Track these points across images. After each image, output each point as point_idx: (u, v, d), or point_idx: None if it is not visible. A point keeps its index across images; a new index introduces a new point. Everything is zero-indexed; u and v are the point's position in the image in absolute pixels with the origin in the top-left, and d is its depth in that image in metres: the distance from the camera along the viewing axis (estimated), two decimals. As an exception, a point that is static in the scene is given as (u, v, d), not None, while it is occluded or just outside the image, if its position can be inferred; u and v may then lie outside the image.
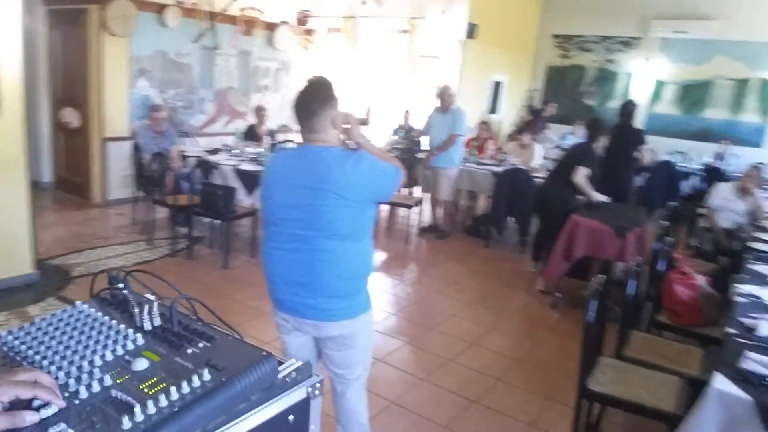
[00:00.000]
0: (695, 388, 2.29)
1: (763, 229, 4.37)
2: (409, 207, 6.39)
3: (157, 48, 6.87)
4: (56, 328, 1.15)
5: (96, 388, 0.97)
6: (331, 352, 2.19)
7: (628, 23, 9.73)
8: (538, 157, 6.75)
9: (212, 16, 7.28)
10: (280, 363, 1.10)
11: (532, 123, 8.91)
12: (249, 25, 7.77)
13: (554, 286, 4.75)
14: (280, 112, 8.32)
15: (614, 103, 10.05)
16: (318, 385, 1.12)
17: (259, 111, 7.04)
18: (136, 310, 1.18)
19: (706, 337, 3.09)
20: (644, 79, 9.75)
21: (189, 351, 1.08)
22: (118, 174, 6.74)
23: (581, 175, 4.79)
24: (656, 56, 9.61)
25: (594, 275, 3.42)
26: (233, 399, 0.98)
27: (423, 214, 6.71)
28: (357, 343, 2.19)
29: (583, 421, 2.72)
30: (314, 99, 2.04)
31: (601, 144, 5.20)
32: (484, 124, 7.58)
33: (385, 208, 7.11)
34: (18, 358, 1.06)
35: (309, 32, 8.84)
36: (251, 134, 6.86)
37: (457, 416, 3.09)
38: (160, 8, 6.74)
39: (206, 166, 5.60)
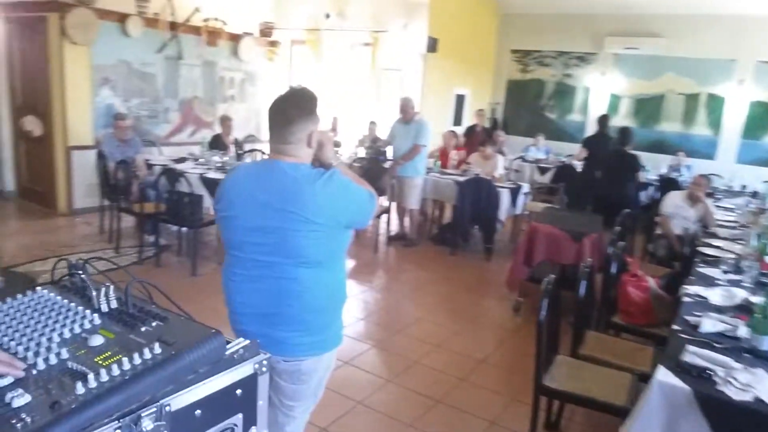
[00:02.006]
0: (645, 383, 2.41)
1: (713, 235, 4.58)
2: (378, 216, 6.46)
3: (120, 57, 6.82)
4: (17, 311, 1.21)
5: (53, 360, 1.02)
6: (284, 383, 1.94)
7: (584, 39, 10.10)
8: (501, 168, 6.92)
9: (175, 26, 7.27)
10: (229, 342, 1.16)
11: (472, 138, 8.77)
12: (213, 35, 7.78)
13: (517, 291, 4.87)
14: (246, 122, 8.34)
15: (574, 116, 10.41)
16: (265, 362, 1.19)
17: (225, 120, 7.05)
18: (94, 293, 1.22)
19: (657, 336, 3.21)
20: (601, 93, 10.10)
21: (142, 329, 1.13)
22: (83, 183, 6.65)
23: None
24: (611, 71, 9.99)
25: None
26: (182, 370, 1.04)
27: (391, 223, 6.79)
28: (314, 378, 1.96)
29: (543, 419, 2.80)
30: (294, 107, 1.82)
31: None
32: (452, 133, 7.74)
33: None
34: None
35: (273, 44, 8.90)
36: (217, 143, 6.85)
37: (421, 415, 3.15)
38: (122, 18, 6.71)
39: (172, 175, 5.57)
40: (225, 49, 8.11)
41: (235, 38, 8.16)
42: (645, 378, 2.59)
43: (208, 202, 5.28)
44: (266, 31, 8.74)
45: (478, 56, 10.31)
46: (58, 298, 1.26)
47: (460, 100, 10.05)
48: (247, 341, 1.19)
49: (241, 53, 8.29)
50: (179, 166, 5.74)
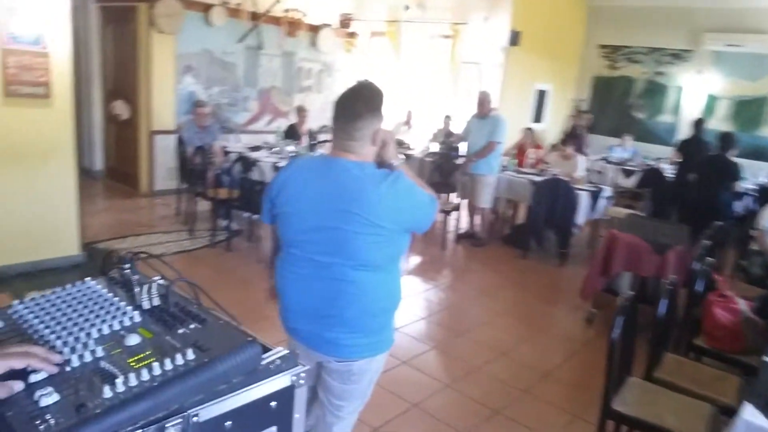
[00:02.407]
0: (728, 418, 2.16)
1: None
2: (447, 213, 6.32)
3: (203, 46, 7.05)
4: (63, 301, 1.20)
5: (88, 358, 0.99)
6: (334, 382, 1.91)
7: (679, 35, 9.39)
8: (581, 169, 6.58)
9: (256, 16, 7.41)
10: (267, 350, 1.09)
11: (573, 139, 8.43)
12: (292, 26, 7.88)
13: (591, 302, 4.60)
14: (321, 113, 8.38)
15: (664, 117, 9.76)
16: (303, 374, 1.11)
17: (300, 111, 7.12)
18: (137, 289, 1.19)
19: (745, 365, 2.92)
20: (696, 93, 9.38)
21: (180, 331, 1.09)
22: (164, 166, 6.94)
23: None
24: (709, 70, 9.24)
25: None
26: (213, 380, 0.98)
27: (460, 221, 6.63)
28: (364, 379, 1.92)
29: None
30: (362, 103, 1.74)
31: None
32: (528, 131, 7.45)
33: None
34: (25, 326, 1.10)
35: (352, 35, 8.90)
36: (292, 133, 6.94)
37: (477, 425, 3.01)
38: (206, 8, 6.92)
39: (246, 163, 5.69)
40: (304, 40, 8.19)
41: (314, 29, 8.23)
42: (728, 411, 2.34)
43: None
44: (345, 22, 8.76)
45: (563, 50, 9.86)
46: (104, 291, 1.24)
47: (541, 96, 9.67)
48: (285, 351, 1.12)
49: (320, 44, 8.35)
50: (254, 155, 5.86)
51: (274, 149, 6.30)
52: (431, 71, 9.07)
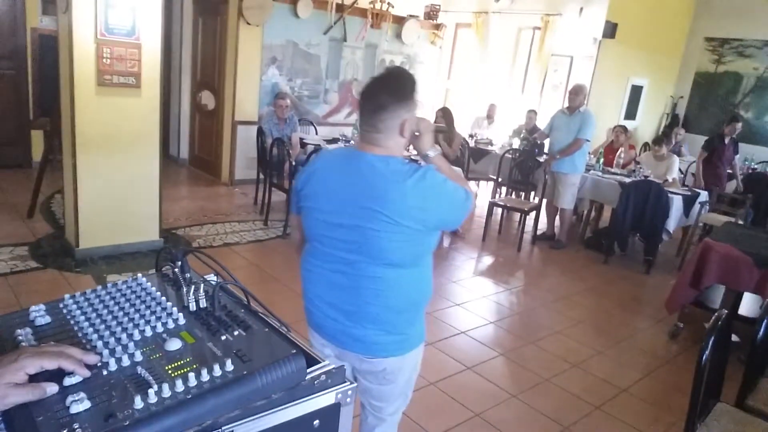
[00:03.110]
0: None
1: None
2: (525, 212, 6.08)
3: (288, 38, 7.14)
4: (113, 298, 1.18)
5: (126, 362, 0.96)
6: (370, 384, 1.86)
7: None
8: (675, 171, 6.12)
9: (342, 8, 7.42)
10: (314, 362, 1.01)
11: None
12: (378, 17, 7.83)
13: (677, 315, 4.26)
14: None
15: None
16: (350, 392, 1.03)
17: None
18: (184, 290, 1.15)
19: None
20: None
21: (222, 338, 1.04)
22: (244, 155, 7.12)
23: None
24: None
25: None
26: (252, 394, 0.92)
27: (539, 221, 6.35)
28: (400, 378, 1.85)
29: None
30: (386, 91, 1.63)
31: None
32: (620, 129, 7.01)
33: (498, 212, 6.84)
34: (72, 323, 1.09)
35: (438, 27, 8.74)
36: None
37: (544, 442, 2.85)
38: (294, -1, 6.99)
39: (321, 155, 5.71)
40: (388, 32, 8.13)
41: (399, 21, 8.15)
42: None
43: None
44: (432, 13, 8.62)
45: (663, 43, 9.21)
46: (153, 289, 1.21)
47: (636, 91, 9.09)
48: (332, 365, 1.04)
49: (404, 36, 8.26)
50: (330, 147, 5.86)
51: (350, 142, 6.30)
52: (518, 64, 8.76)
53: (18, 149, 6.73)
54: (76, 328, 1.07)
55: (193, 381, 0.90)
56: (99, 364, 0.95)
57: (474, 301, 4.45)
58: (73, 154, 4.20)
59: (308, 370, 1.00)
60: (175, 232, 5.22)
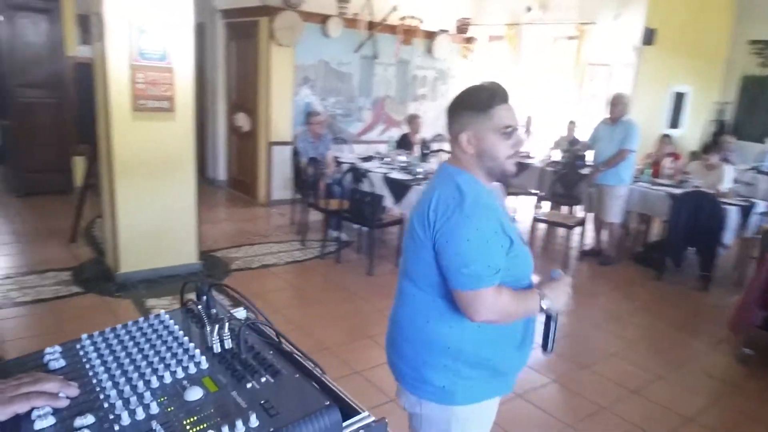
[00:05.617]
0: None
1: None
2: (570, 227, 5.82)
3: (320, 57, 7.12)
4: (132, 338, 1.07)
5: (140, 415, 0.84)
6: (410, 421, 1.73)
7: None
8: (728, 181, 5.78)
9: (372, 26, 7.37)
10: (352, 412, 0.87)
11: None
12: (408, 34, 7.75)
13: (743, 339, 3.94)
14: (435, 121, 8.19)
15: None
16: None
17: (413, 119, 6.95)
18: (208, 328, 1.02)
19: None
20: None
21: (248, 386, 0.90)
22: (280, 176, 7.09)
23: None
24: None
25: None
26: None
27: (585, 236, 6.07)
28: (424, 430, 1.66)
29: None
30: (454, 100, 1.59)
31: None
32: (666, 138, 6.71)
33: (542, 227, 6.60)
34: (87, 367, 0.98)
35: (469, 40, 8.62)
36: (404, 143, 6.79)
37: (606, 477, 2.61)
38: (324, 19, 6.98)
39: (357, 173, 5.62)
40: (419, 48, 8.05)
41: (430, 36, 8.07)
42: None
43: (389, 202, 5.21)
44: (462, 27, 8.50)
45: (706, 48, 8.84)
46: (176, 328, 1.08)
47: (678, 98, 8.74)
48: (372, 418, 0.90)
49: (435, 51, 8.17)
50: (365, 165, 5.76)
51: (385, 159, 6.18)
52: (553, 75, 8.54)
53: (61, 175, 6.86)
54: (90, 373, 0.96)
55: (210, 444, 0.77)
56: (112, 416, 0.83)
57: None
58: (111, 179, 4.20)
59: (344, 424, 0.86)
60: (214, 255, 5.17)
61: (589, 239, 6.21)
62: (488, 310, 1.45)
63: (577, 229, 5.93)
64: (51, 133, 6.68)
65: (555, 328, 1.61)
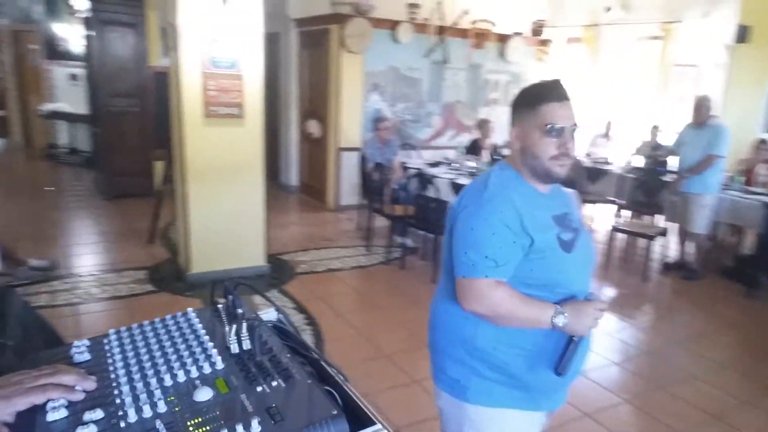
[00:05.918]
0: None
1: None
2: (651, 238, 5.46)
3: (389, 63, 7.12)
4: (156, 335, 1.06)
5: (147, 413, 0.82)
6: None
7: None
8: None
9: (442, 30, 7.29)
10: (368, 422, 0.81)
11: None
12: (480, 37, 7.60)
13: None
14: (507, 126, 7.96)
15: None
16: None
17: (483, 124, 6.79)
18: (227, 329, 0.99)
19: None
20: None
21: (258, 389, 0.85)
22: (348, 181, 7.13)
23: None
24: None
25: None
26: None
27: (668, 248, 5.67)
28: (448, 427, 1.65)
29: None
30: (515, 97, 1.57)
31: None
32: (762, 144, 6.17)
33: (621, 237, 6.24)
34: (109, 362, 0.97)
35: (544, 43, 8.34)
36: (473, 148, 6.65)
37: None
38: (394, 25, 6.98)
39: (423, 178, 5.55)
40: (491, 51, 7.88)
41: (502, 39, 7.88)
42: None
43: (455, 208, 5.10)
44: (537, 30, 8.25)
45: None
46: (200, 326, 1.06)
47: (776, 100, 8.04)
48: (381, 429, 0.82)
49: (508, 54, 7.97)
50: (432, 170, 5.68)
51: (453, 165, 6.07)
52: (635, 77, 8.11)
53: (143, 179, 7.25)
54: (111, 368, 0.94)
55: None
56: (120, 413, 0.81)
57: (594, 337, 3.96)
58: (184, 182, 4.36)
59: (354, 434, 0.80)
60: (281, 258, 5.25)
61: (673, 251, 5.79)
62: (477, 301, 1.42)
63: (659, 240, 5.54)
64: (135, 139, 7.09)
65: (573, 351, 1.45)
